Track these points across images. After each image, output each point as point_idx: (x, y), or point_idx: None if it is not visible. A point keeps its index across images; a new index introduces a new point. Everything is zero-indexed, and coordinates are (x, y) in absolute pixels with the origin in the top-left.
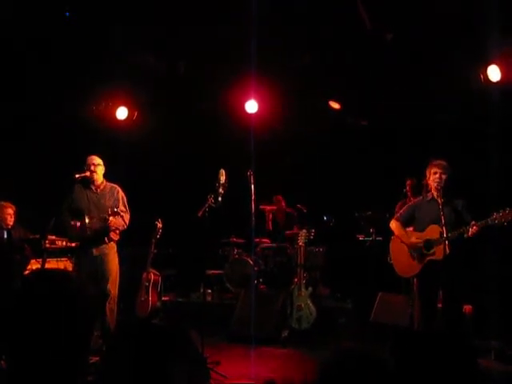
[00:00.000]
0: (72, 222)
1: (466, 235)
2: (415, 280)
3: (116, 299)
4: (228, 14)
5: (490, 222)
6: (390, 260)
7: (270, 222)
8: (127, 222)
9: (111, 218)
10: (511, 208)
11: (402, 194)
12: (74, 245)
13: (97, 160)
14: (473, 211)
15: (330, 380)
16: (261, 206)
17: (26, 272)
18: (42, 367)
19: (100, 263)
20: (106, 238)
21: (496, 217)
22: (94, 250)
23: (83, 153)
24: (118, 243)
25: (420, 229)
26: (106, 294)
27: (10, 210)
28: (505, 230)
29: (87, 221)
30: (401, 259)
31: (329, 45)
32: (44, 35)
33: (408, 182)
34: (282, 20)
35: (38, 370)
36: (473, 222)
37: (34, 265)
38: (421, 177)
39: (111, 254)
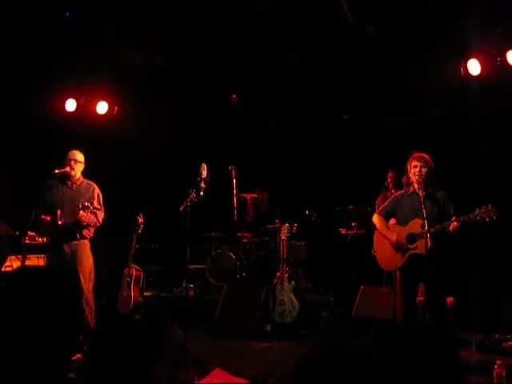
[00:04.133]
0: (42, 216)
1: (447, 230)
2: (397, 273)
3: (92, 295)
4: (212, 11)
5: (471, 218)
6: (374, 252)
7: (250, 211)
8: (100, 219)
9: (81, 213)
10: (493, 204)
11: (383, 187)
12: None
13: (78, 157)
14: (455, 205)
15: (305, 375)
16: (241, 195)
17: (6, 269)
18: (26, 364)
19: (71, 260)
20: (77, 234)
21: (478, 213)
22: (65, 247)
23: (63, 148)
24: (106, 240)
25: (402, 222)
26: (79, 291)
27: None
28: (486, 222)
29: (59, 214)
30: (384, 252)
31: (311, 40)
32: (28, 31)
33: (389, 174)
34: (265, 16)
35: (21, 367)
36: (454, 218)
37: (14, 261)
38: (402, 169)
39: (83, 250)
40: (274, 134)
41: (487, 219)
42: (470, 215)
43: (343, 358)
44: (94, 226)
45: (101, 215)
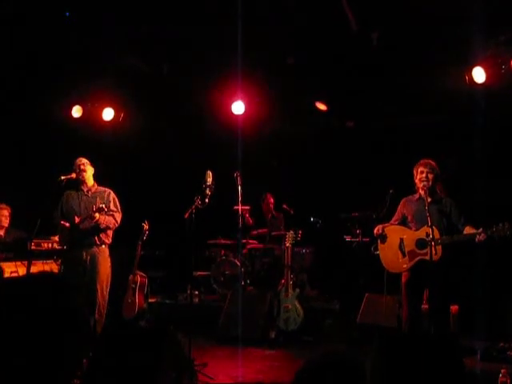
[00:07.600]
0: (62, 222)
1: (476, 240)
2: (403, 278)
3: (106, 304)
4: (213, 14)
5: (489, 234)
6: (375, 251)
7: (249, 220)
8: (118, 220)
9: (97, 215)
10: (510, 223)
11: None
12: (59, 247)
13: (85, 160)
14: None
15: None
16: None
17: (11, 275)
18: (32, 371)
19: (89, 267)
20: (96, 239)
21: (496, 230)
22: (84, 253)
23: (70, 154)
24: (111, 247)
25: (408, 227)
26: (94, 299)
27: (6, 212)
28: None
29: (76, 220)
30: (389, 254)
31: (314, 45)
32: (31, 35)
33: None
34: (268, 20)
35: (26, 374)
36: (480, 230)
37: (20, 267)
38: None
39: (101, 257)
40: (277, 139)
41: (503, 237)
42: (488, 231)
43: (338, 369)
44: (112, 228)
45: (118, 216)
